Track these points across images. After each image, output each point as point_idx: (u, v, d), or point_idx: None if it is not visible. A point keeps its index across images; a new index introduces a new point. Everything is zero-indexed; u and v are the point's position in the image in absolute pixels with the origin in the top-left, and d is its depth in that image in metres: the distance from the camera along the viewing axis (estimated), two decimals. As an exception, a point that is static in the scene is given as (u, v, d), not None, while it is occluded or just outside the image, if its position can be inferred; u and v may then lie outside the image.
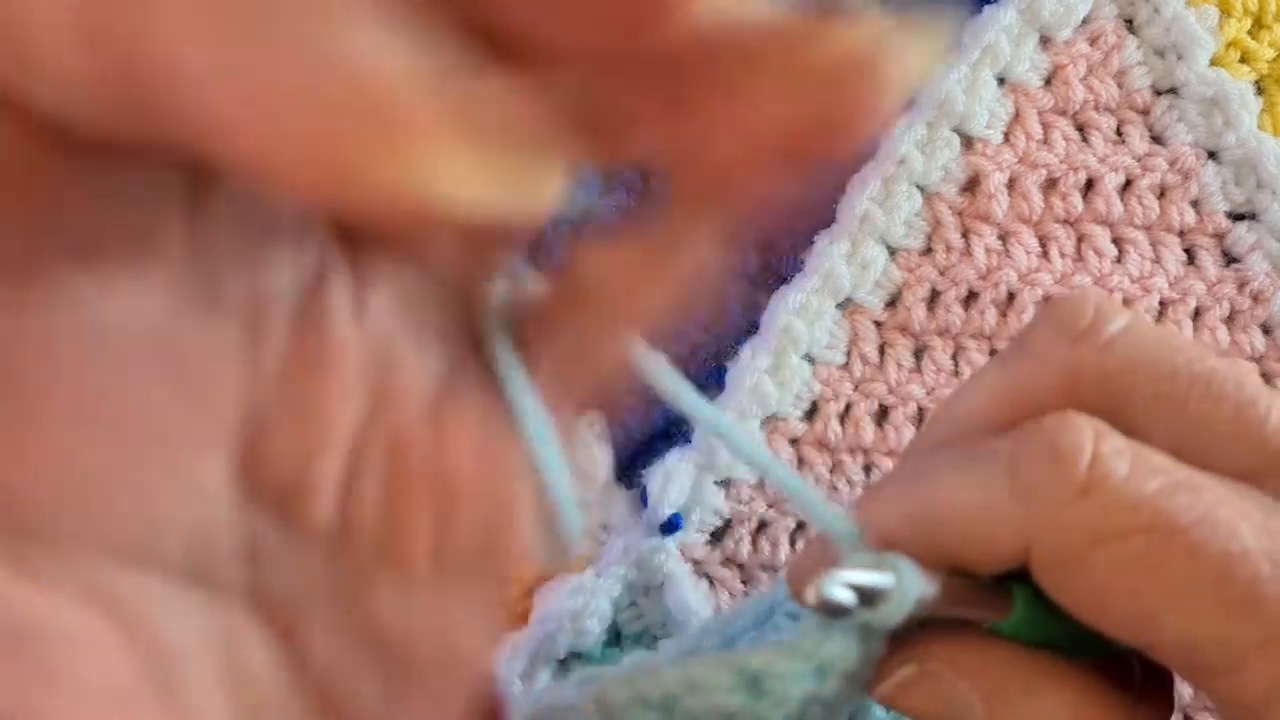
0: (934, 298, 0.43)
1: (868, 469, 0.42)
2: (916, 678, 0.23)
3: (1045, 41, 0.44)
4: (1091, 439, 0.21)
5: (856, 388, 0.43)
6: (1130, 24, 0.44)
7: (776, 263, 0.44)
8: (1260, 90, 0.44)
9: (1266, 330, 0.42)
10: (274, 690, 0.17)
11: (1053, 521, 0.21)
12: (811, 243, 0.43)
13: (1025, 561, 0.22)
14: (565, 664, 0.39)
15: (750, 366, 0.42)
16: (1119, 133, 0.44)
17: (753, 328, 0.43)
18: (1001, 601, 0.23)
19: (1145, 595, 0.21)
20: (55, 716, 0.14)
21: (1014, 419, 0.23)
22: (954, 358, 0.42)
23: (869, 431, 0.42)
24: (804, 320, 0.42)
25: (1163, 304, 0.43)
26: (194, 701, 0.16)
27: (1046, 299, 0.42)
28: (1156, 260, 0.43)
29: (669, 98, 0.15)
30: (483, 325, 0.18)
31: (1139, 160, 0.43)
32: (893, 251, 0.43)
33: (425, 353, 0.17)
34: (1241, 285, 0.43)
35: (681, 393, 0.20)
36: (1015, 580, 0.23)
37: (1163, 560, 0.20)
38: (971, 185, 0.43)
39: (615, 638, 0.40)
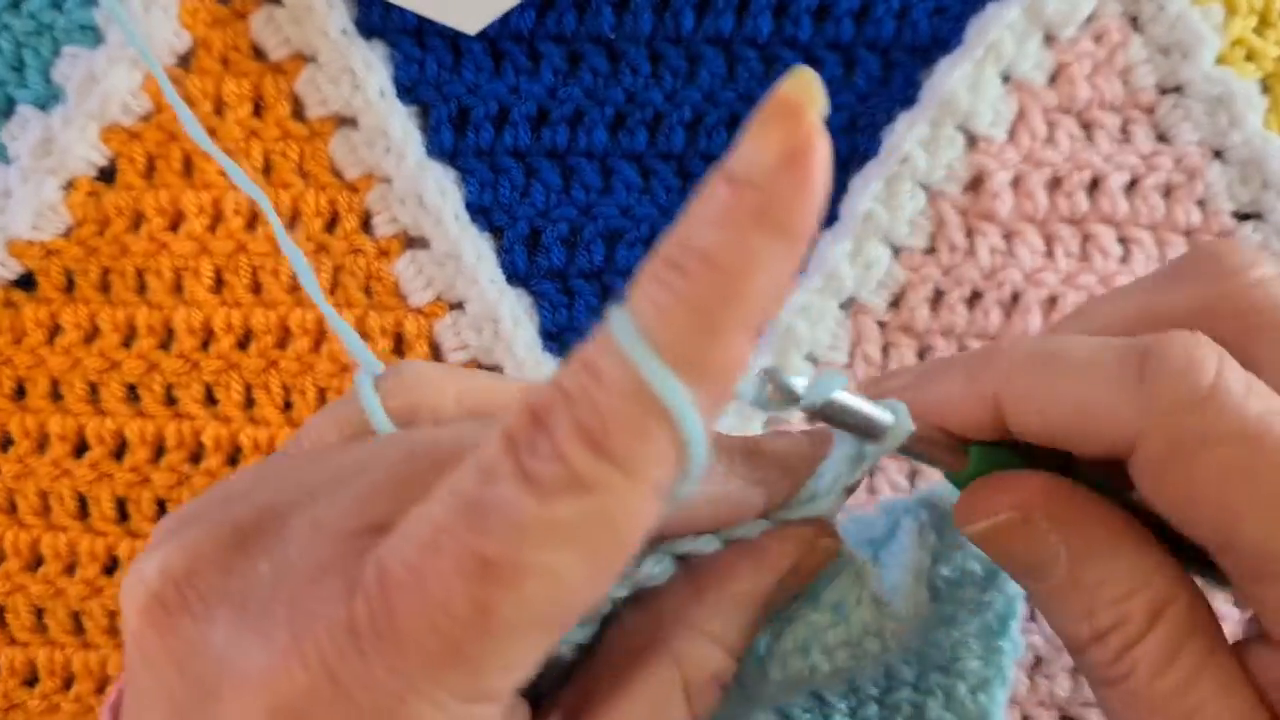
0: (938, 298, 0.43)
1: (872, 470, 0.41)
2: (1012, 524, 0.26)
3: (1050, 39, 0.43)
4: (1217, 358, 0.24)
5: (859, 389, 0.42)
6: (1135, 21, 0.43)
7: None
8: (1266, 89, 0.43)
9: (1272, 331, 0.42)
10: None
11: (1168, 421, 0.23)
12: (813, 242, 0.43)
13: (1122, 453, 0.24)
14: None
15: (752, 368, 0.42)
16: (1124, 131, 0.43)
17: (754, 328, 0.43)
18: (961, 458, 0.27)
19: (1234, 501, 0.23)
20: None
21: (1146, 332, 0.25)
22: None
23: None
24: (807, 321, 0.42)
25: (1168, 305, 0.42)
26: None
27: (1051, 300, 0.42)
28: (1162, 260, 0.42)
29: None
30: None
31: (1144, 159, 0.43)
32: (896, 251, 0.43)
33: None
34: (1247, 286, 0.42)
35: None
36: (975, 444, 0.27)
37: (1258, 472, 0.23)
38: (976, 184, 0.43)
39: None
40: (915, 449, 0.26)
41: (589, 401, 0.20)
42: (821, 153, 0.20)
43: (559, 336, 0.43)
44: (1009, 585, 0.31)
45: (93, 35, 0.45)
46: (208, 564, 0.22)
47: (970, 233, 0.43)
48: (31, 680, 0.43)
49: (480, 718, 0.21)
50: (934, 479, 0.41)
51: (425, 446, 0.24)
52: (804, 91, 0.19)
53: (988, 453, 0.27)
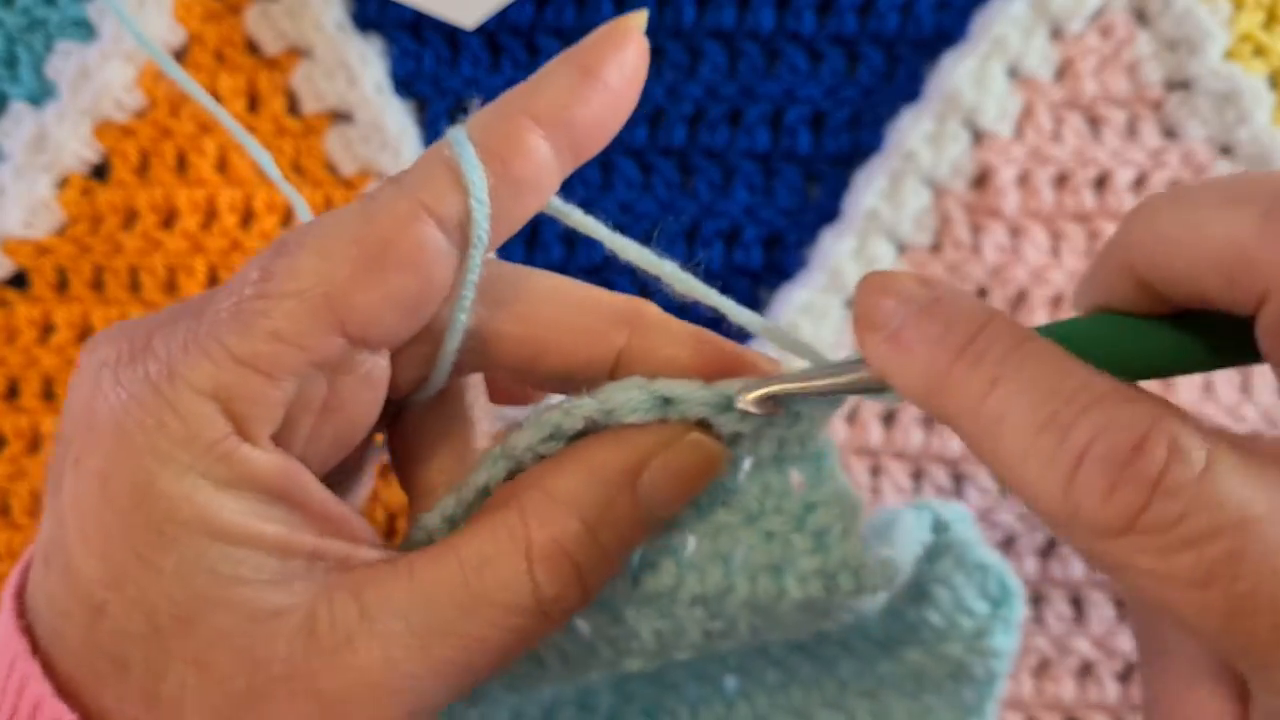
0: (942, 296, 0.42)
1: (874, 471, 0.41)
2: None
3: (1056, 34, 0.43)
4: (1149, 484, 0.21)
5: (863, 388, 0.42)
6: (1142, 16, 0.43)
7: (781, 259, 0.43)
8: (1273, 84, 0.43)
9: None
10: None
11: None
12: (816, 239, 0.42)
13: (1251, 308, 0.22)
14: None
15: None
16: (1131, 127, 0.43)
17: (756, 326, 0.42)
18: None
19: None
20: None
21: (1214, 276, 0.23)
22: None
23: (876, 433, 0.41)
24: (810, 319, 0.41)
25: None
26: None
27: (1057, 298, 0.41)
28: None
29: None
30: None
31: (1151, 155, 0.42)
32: (901, 248, 0.42)
33: None
34: (1256, 284, 0.42)
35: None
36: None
37: None
38: (981, 180, 0.42)
39: None
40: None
41: (410, 169, 0.26)
42: (637, 36, 0.26)
43: (558, 335, 0.43)
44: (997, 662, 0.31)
45: (86, 30, 0.44)
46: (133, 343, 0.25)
47: (976, 229, 0.42)
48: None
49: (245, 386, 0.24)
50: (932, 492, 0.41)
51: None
52: (636, 17, 0.26)
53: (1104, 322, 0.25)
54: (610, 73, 0.26)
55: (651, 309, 0.28)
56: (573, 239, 0.43)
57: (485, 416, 0.29)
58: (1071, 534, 0.22)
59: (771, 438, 0.27)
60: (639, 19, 0.26)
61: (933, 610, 0.31)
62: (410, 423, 0.29)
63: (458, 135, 0.25)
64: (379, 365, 0.26)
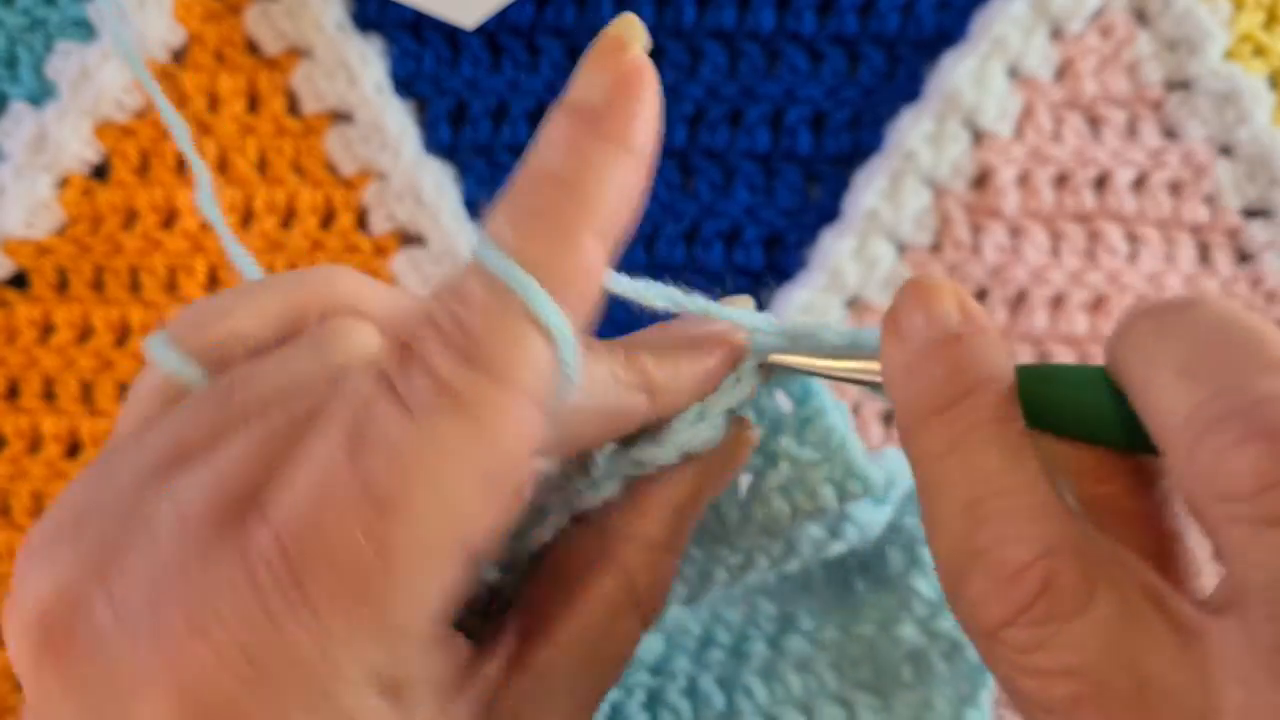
0: (942, 296, 0.42)
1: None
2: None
3: (1056, 33, 0.43)
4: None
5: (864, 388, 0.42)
6: (1141, 16, 0.43)
7: (781, 259, 0.43)
8: (1273, 84, 0.43)
9: (1281, 330, 0.42)
10: None
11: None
12: (817, 239, 0.42)
13: None
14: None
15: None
16: (1131, 127, 0.43)
17: (756, 326, 0.42)
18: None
19: None
20: None
21: None
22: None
23: (877, 434, 0.41)
24: (810, 319, 0.41)
25: (1175, 303, 0.42)
26: None
27: (1057, 298, 0.41)
28: (1169, 258, 0.42)
29: None
30: None
31: (1151, 155, 0.42)
32: (901, 248, 0.42)
33: None
34: (1255, 284, 0.42)
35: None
36: None
37: None
38: (981, 180, 0.42)
39: None
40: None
41: (455, 320, 0.20)
42: (649, 76, 0.22)
43: (558, 335, 0.43)
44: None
45: (86, 31, 0.44)
46: (81, 588, 0.21)
47: (976, 230, 0.42)
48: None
49: (405, 661, 0.21)
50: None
51: (249, 389, 0.23)
52: (628, 30, 0.22)
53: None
54: (645, 144, 0.22)
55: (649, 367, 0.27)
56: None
57: None
58: (953, 609, 0.23)
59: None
60: (636, 38, 0.23)
61: (922, 579, 0.31)
62: None
63: (540, 300, 0.21)
64: None
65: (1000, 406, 0.23)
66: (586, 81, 0.22)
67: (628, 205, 0.22)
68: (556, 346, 0.21)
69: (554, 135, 0.22)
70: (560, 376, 0.21)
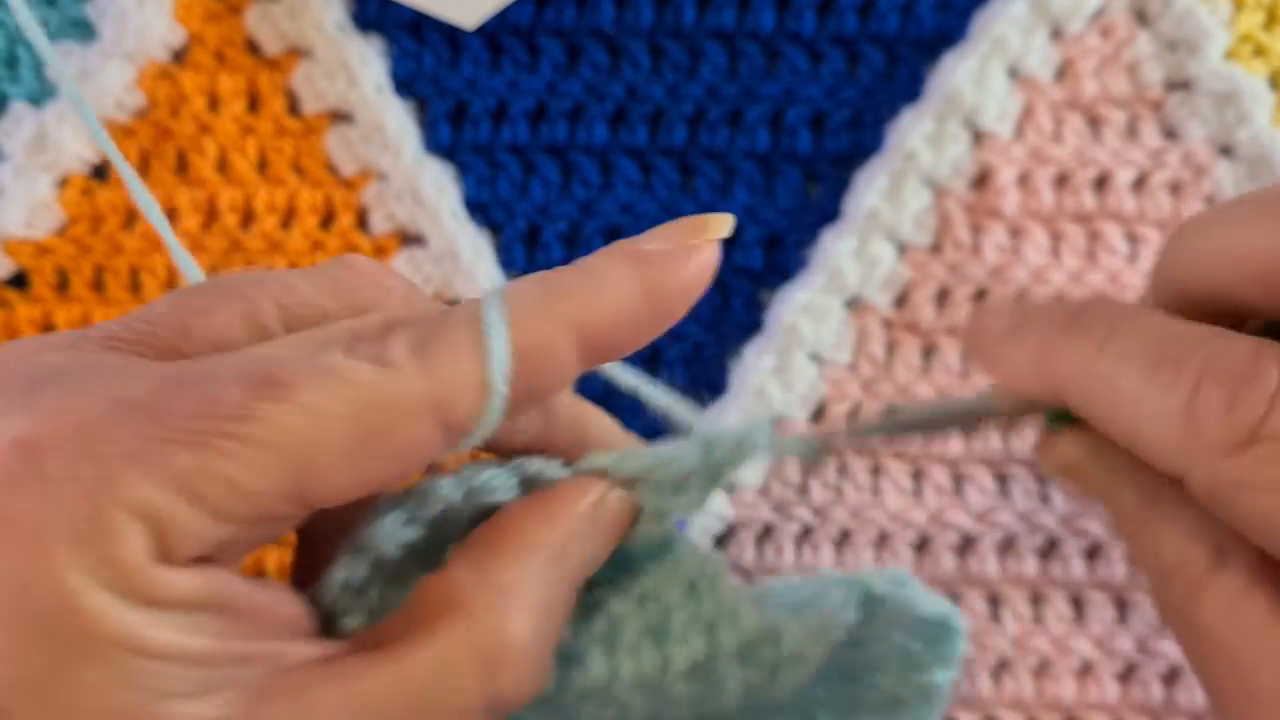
0: (943, 296, 0.42)
1: (875, 471, 0.41)
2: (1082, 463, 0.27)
3: (1056, 34, 0.43)
4: (1269, 396, 0.22)
5: (864, 388, 0.42)
6: (1142, 16, 0.43)
7: (781, 260, 0.43)
8: (1274, 85, 0.43)
9: (1282, 330, 0.42)
10: None
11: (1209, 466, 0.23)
12: (817, 239, 0.42)
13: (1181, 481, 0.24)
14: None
15: (754, 368, 0.41)
16: (1131, 127, 0.43)
17: (756, 327, 0.42)
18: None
19: None
20: None
21: (1255, 287, 0.24)
22: (963, 358, 0.41)
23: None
24: (810, 319, 0.41)
25: (1176, 303, 0.42)
26: None
27: (1058, 298, 0.41)
28: (1170, 258, 0.42)
29: None
30: None
31: (1151, 156, 0.42)
32: (901, 248, 0.42)
33: None
34: (1256, 284, 0.42)
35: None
36: None
37: None
38: (981, 180, 0.42)
39: None
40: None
41: (434, 322, 0.24)
42: (708, 259, 0.25)
43: (558, 335, 0.43)
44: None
45: (86, 30, 0.44)
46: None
47: (976, 230, 0.42)
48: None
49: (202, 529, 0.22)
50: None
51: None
52: (717, 222, 0.25)
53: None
54: (678, 307, 0.25)
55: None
56: (573, 239, 0.43)
57: None
58: (1193, 462, 0.23)
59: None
60: (723, 228, 0.25)
61: (865, 653, 0.30)
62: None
63: (495, 331, 0.23)
64: None
65: (1115, 302, 0.25)
66: (653, 232, 0.25)
67: (625, 334, 0.25)
68: (488, 381, 0.23)
69: (601, 257, 0.25)
70: (480, 415, 0.24)
